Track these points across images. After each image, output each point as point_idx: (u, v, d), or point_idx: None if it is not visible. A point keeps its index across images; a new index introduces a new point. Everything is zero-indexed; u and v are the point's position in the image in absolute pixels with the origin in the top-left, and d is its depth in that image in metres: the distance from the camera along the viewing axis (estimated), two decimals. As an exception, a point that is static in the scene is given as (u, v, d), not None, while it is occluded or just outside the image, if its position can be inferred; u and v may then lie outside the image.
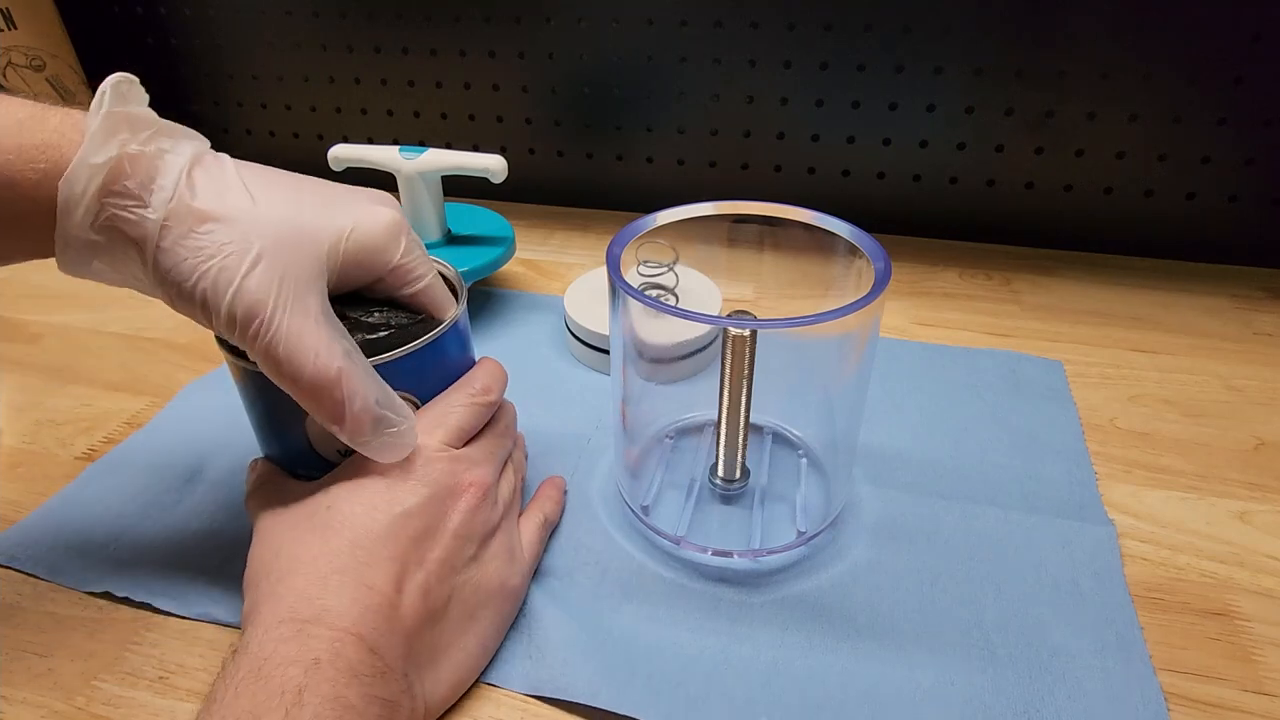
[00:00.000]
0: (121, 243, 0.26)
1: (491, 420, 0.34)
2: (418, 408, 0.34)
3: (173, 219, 0.26)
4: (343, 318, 0.31)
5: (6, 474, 0.43)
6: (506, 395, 0.38)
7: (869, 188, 0.66)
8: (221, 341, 0.33)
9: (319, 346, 0.27)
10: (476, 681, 0.31)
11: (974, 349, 0.51)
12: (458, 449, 0.32)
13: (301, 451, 0.33)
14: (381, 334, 0.32)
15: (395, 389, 0.32)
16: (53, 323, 0.57)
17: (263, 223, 0.27)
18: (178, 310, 0.28)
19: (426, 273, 0.32)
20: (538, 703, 0.31)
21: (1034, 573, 0.35)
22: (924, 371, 0.49)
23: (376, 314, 0.33)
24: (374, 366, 0.31)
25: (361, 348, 0.31)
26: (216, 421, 0.45)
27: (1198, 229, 0.61)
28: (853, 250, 0.33)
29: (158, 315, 0.58)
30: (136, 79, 0.27)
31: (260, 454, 0.37)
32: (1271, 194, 0.59)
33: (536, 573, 0.35)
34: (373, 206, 0.31)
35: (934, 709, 0.30)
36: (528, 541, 0.35)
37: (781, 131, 0.66)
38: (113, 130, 0.26)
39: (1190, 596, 0.34)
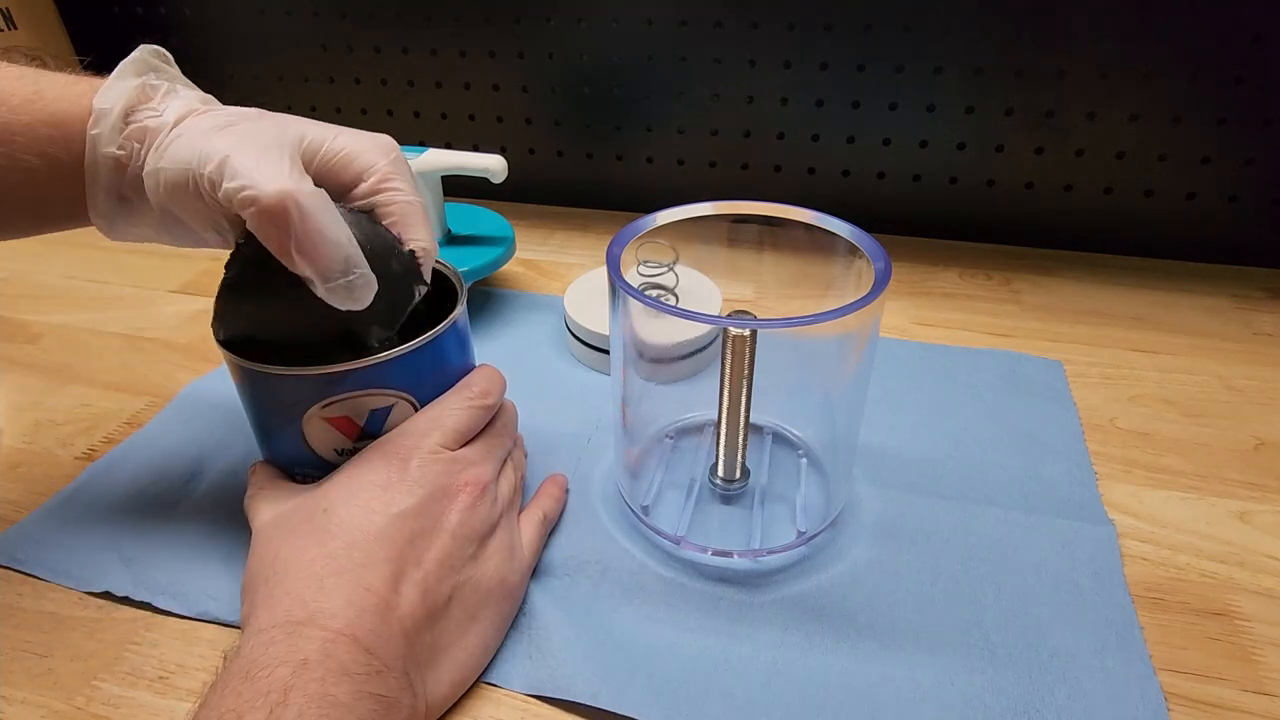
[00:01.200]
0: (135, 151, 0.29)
1: (490, 420, 0.35)
2: (416, 408, 0.34)
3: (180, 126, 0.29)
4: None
5: (6, 474, 0.43)
6: (507, 395, 0.38)
7: (869, 188, 0.66)
8: (221, 341, 0.33)
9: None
10: (477, 681, 0.31)
11: (974, 349, 0.51)
12: (455, 450, 0.32)
13: (298, 451, 0.33)
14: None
15: (394, 388, 0.32)
16: (53, 323, 0.57)
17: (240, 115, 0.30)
18: (175, 206, 0.29)
19: (406, 200, 0.31)
20: (538, 703, 0.30)
21: (1034, 573, 0.35)
22: (924, 371, 0.49)
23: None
24: (372, 365, 0.31)
25: (358, 348, 0.31)
26: (216, 421, 0.45)
27: (1198, 229, 0.61)
28: (853, 250, 0.33)
29: (158, 315, 0.58)
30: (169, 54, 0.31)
31: (259, 454, 0.37)
32: (1271, 194, 0.59)
33: (536, 572, 0.35)
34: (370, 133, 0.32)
35: (934, 709, 0.30)
36: (527, 540, 0.35)
37: (781, 131, 0.66)
38: (139, 67, 0.30)
39: (1190, 596, 0.34)
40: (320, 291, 0.28)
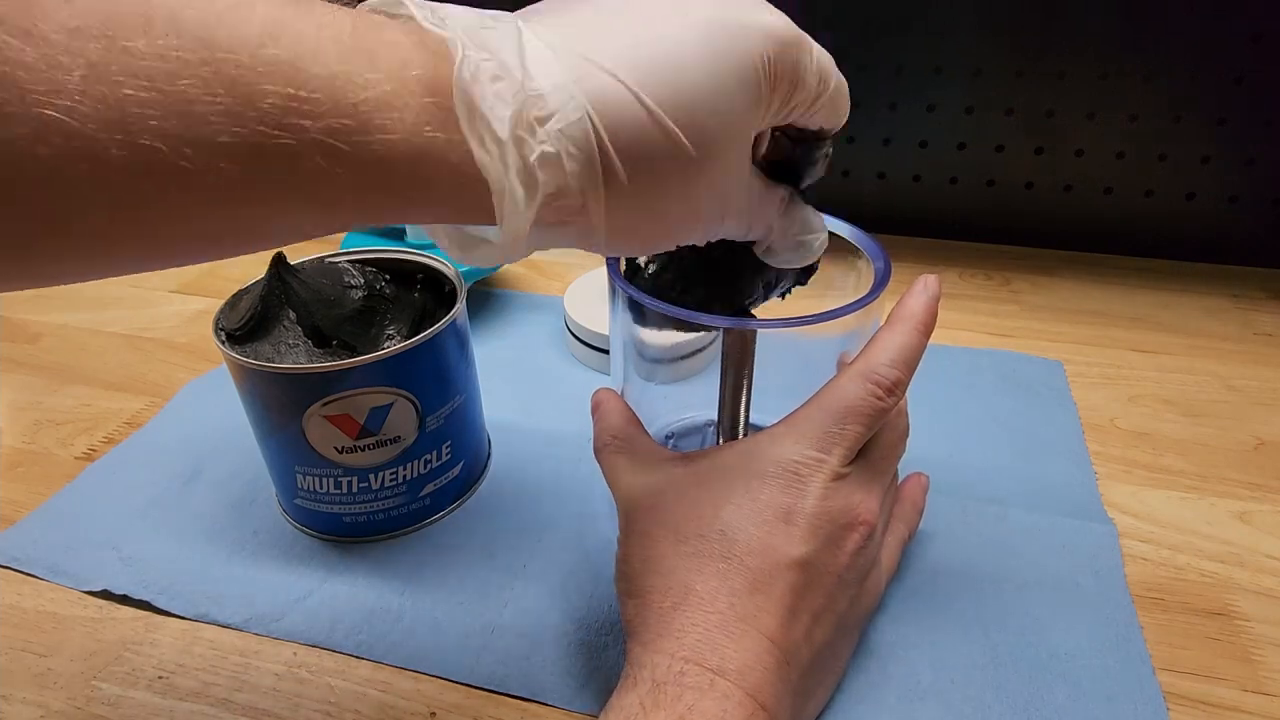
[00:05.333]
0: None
1: (887, 425, 0.30)
2: (415, 407, 0.34)
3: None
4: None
5: (6, 474, 0.43)
6: (506, 394, 0.38)
7: (869, 188, 0.66)
8: (220, 339, 0.34)
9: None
10: (478, 687, 0.31)
11: (974, 349, 0.51)
12: (849, 470, 0.28)
13: (299, 448, 0.33)
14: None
15: (393, 386, 0.32)
16: (53, 323, 0.57)
17: None
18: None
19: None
20: (538, 704, 0.30)
21: (1034, 572, 0.35)
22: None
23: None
24: (370, 363, 0.31)
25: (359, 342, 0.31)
26: (216, 421, 0.45)
27: (1198, 229, 0.61)
28: (853, 250, 0.33)
29: (158, 315, 0.58)
30: None
31: (259, 454, 0.37)
32: (1271, 194, 0.59)
33: (537, 572, 0.35)
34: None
35: (934, 708, 0.30)
36: (887, 566, 0.32)
37: (781, 131, 0.66)
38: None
39: (1190, 596, 0.34)
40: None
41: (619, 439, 0.31)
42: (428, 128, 0.18)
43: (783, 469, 0.27)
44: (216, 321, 0.35)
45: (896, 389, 0.28)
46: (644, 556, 0.27)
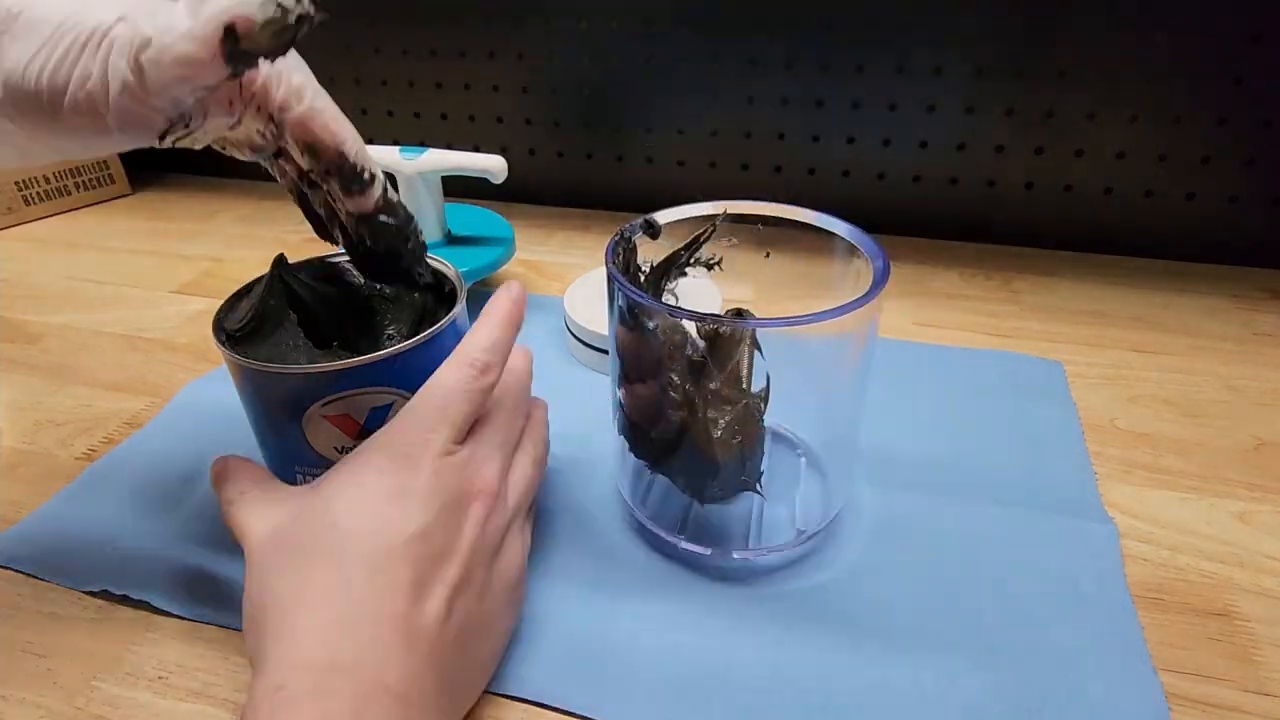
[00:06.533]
0: None
1: (497, 405, 0.32)
2: None
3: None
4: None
5: (6, 474, 0.43)
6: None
7: (869, 188, 0.66)
8: (220, 339, 0.33)
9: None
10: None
11: (974, 349, 0.51)
12: (462, 447, 0.30)
13: (299, 450, 0.33)
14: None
15: (393, 386, 0.32)
16: (53, 323, 0.57)
17: None
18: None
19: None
20: (538, 705, 0.30)
21: (1034, 573, 0.35)
22: (924, 372, 0.49)
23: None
24: (371, 363, 0.31)
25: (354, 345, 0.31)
26: (216, 421, 0.45)
27: (1198, 229, 0.61)
28: (852, 250, 0.33)
29: (158, 315, 0.58)
30: None
31: (259, 454, 0.37)
32: (1271, 194, 0.59)
33: (536, 572, 0.35)
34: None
35: (934, 709, 0.30)
36: (526, 533, 0.33)
37: (781, 132, 0.66)
38: None
39: (1190, 596, 0.34)
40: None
41: (245, 495, 0.30)
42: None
43: (390, 457, 0.28)
44: (216, 321, 0.35)
45: (489, 370, 0.30)
46: (262, 579, 0.26)
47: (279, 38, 0.23)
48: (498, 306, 0.32)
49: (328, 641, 0.24)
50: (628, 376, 0.34)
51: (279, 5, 0.22)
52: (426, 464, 0.28)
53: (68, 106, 0.23)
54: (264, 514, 0.28)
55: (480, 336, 0.31)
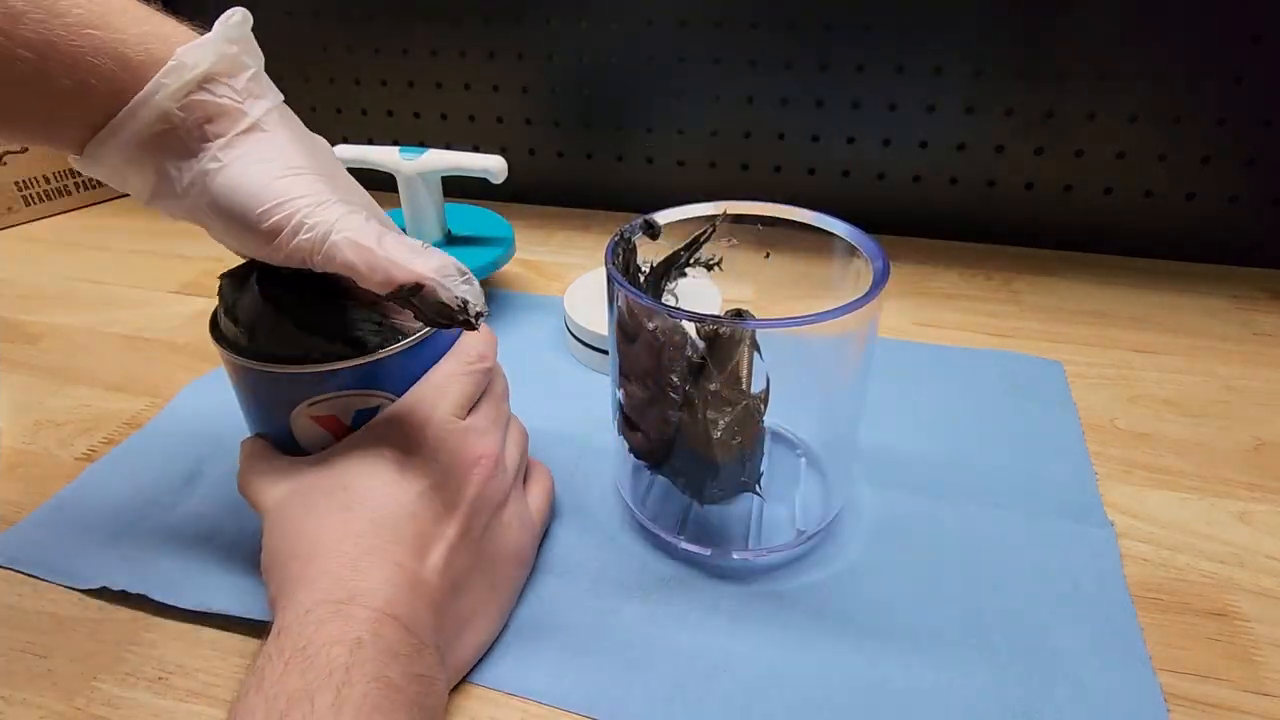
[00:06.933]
0: (179, 139, 0.27)
1: (488, 387, 0.34)
2: None
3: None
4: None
5: (6, 474, 0.43)
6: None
7: (869, 188, 0.66)
8: (216, 337, 0.33)
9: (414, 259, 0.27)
10: (475, 683, 0.31)
11: (974, 349, 0.51)
12: (463, 419, 0.32)
13: (287, 447, 0.33)
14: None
15: (382, 390, 0.32)
16: (53, 323, 0.57)
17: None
18: (209, 227, 0.29)
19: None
20: (537, 704, 0.30)
21: (1034, 573, 0.35)
22: (924, 372, 0.49)
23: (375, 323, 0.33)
24: (360, 365, 0.31)
25: (349, 343, 0.31)
26: (216, 421, 0.45)
27: (1198, 229, 0.61)
28: (852, 250, 0.33)
29: (158, 315, 0.58)
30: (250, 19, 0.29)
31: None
32: (1271, 194, 0.59)
33: (536, 570, 0.35)
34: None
35: (934, 709, 0.30)
36: (536, 507, 0.35)
37: (781, 132, 0.66)
38: (240, 37, 0.28)
39: (1190, 596, 0.34)
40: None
41: (255, 468, 0.32)
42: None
43: (396, 426, 0.31)
44: (213, 319, 0.35)
45: (484, 358, 0.33)
46: (280, 534, 0.29)
47: (440, 316, 0.27)
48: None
49: (343, 580, 0.27)
50: (627, 376, 0.34)
51: (464, 304, 0.27)
52: (430, 432, 0.30)
53: (280, 243, 0.27)
54: (276, 481, 0.31)
55: (470, 339, 0.34)
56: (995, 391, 0.47)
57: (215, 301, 0.34)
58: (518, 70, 0.69)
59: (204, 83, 0.27)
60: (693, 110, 0.67)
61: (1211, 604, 0.34)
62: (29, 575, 0.36)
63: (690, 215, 0.36)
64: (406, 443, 0.30)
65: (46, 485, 0.41)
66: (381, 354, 0.31)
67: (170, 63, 0.26)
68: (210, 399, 0.47)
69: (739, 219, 0.36)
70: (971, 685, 0.30)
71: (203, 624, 0.34)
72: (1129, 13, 0.55)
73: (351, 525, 0.28)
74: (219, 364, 0.51)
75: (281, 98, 0.30)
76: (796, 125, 0.65)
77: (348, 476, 0.30)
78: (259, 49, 0.29)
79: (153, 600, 0.34)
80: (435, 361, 0.34)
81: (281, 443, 0.33)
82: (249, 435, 0.35)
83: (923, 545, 0.37)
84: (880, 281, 0.30)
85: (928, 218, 0.66)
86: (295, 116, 0.31)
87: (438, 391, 0.32)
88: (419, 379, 0.33)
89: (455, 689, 0.31)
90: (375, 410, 0.33)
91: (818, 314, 0.28)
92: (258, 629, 0.33)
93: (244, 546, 0.37)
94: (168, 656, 0.32)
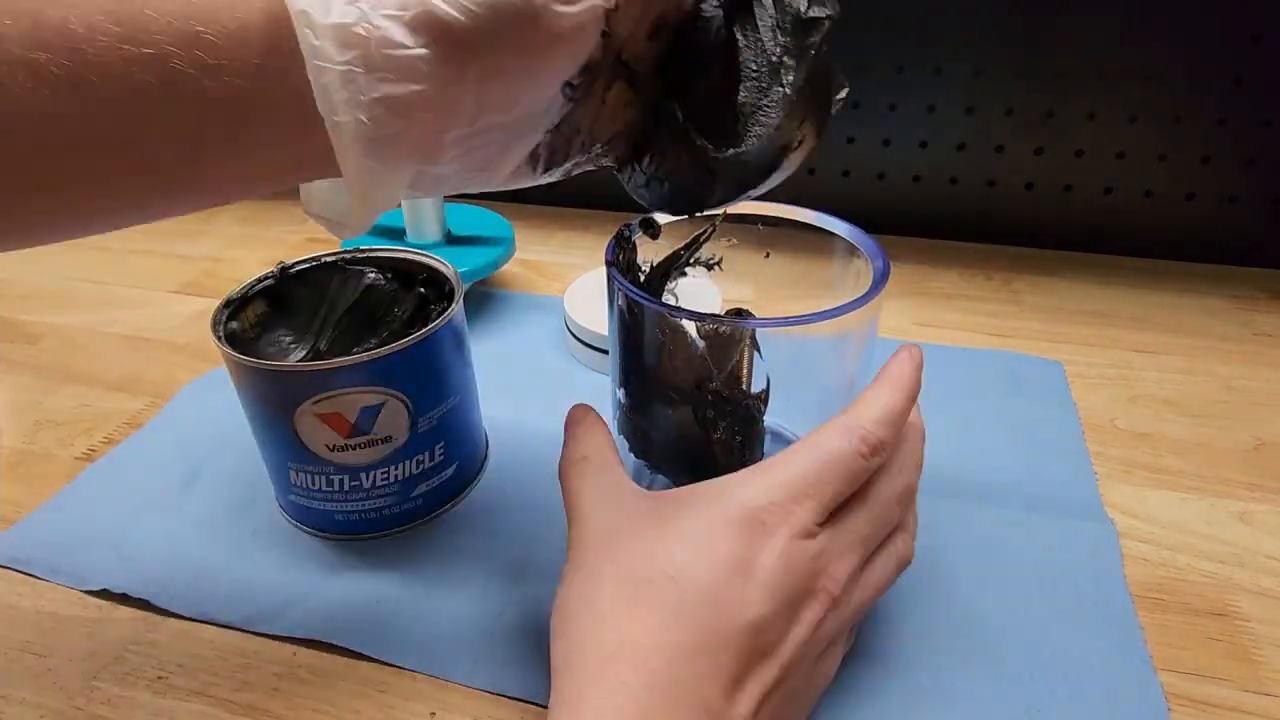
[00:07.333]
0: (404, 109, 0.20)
1: (874, 480, 0.27)
2: (407, 408, 0.34)
3: None
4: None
5: (6, 474, 0.43)
6: (505, 394, 0.37)
7: (869, 188, 0.66)
8: (218, 336, 0.34)
9: None
10: (477, 688, 0.31)
11: (974, 349, 0.51)
12: (820, 530, 0.25)
13: (291, 445, 0.33)
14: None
15: (385, 387, 0.32)
16: (53, 323, 0.57)
17: None
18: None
19: None
20: (538, 705, 0.30)
21: (1034, 572, 0.35)
22: (924, 372, 0.49)
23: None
24: (362, 363, 0.31)
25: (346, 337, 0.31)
26: (216, 421, 0.45)
27: (1198, 229, 0.61)
28: (852, 250, 0.33)
29: (158, 316, 0.58)
30: None
31: (259, 453, 0.37)
32: (1271, 194, 0.59)
33: (536, 572, 0.35)
34: None
35: (936, 708, 0.30)
36: (848, 638, 0.29)
37: (781, 132, 0.66)
38: None
39: (1190, 596, 0.34)
40: None
41: (590, 461, 0.29)
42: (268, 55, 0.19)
43: (747, 513, 0.25)
44: (215, 319, 0.35)
45: (881, 449, 0.26)
46: (584, 594, 0.25)
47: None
48: (900, 372, 0.28)
49: (644, 712, 0.22)
50: (628, 376, 0.34)
51: None
52: (780, 541, 0.24)
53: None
54: (601, 502, 0.27)
55: (877, 406, 0.27)
56: (995, 391, 0.47)
57: (215, 301, 0.34)
58: (518, 70, 0.69)
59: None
60: (693, 110, 0.67)
61: (1211, 604, 0.34)
62: (29, 575, 0.36)
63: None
64: (750, 545, 0.24)
65: (46, 485, 0.41)
66: (381, 351, 0.32)
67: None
68: (210, 399, 0.47)
69: (739, 219, 0.36)
70: (972, 685, 0.30)
71: (203, 624, 0.34)
72: (1129, 13, 0.55)
73: (670, 634, 0.23)
74: (219, 364, 0.51)
75: None
76: (796, 125, 0.65)
77: (676, 565, 0.24)
78: None
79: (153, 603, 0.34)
80: (438, 358, 0.34)
81: (287, 444, 0.33)
82: (583, 405, 0.31)
83: (922, 545, 0.36)
84: (880, 281, 0.30)
85: (928, 218, 0.66)
86: None
87: (808, 486, 0.25)
88: (423, 374, 0.33)
89: (456, 690, 0.31)
90: (380, 407, 0.32)
91: (818, 314, 0.28)
92: (258, 629, 0.33)
93: (245, 547, 0.37)
94: (168, 656, 0.32)
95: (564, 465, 0.29)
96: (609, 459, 0.29)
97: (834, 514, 0.26)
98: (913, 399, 0.28)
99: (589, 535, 0.27)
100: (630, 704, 0.22)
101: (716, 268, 0.37)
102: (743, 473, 0.26)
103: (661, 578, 0.24)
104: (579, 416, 0.31)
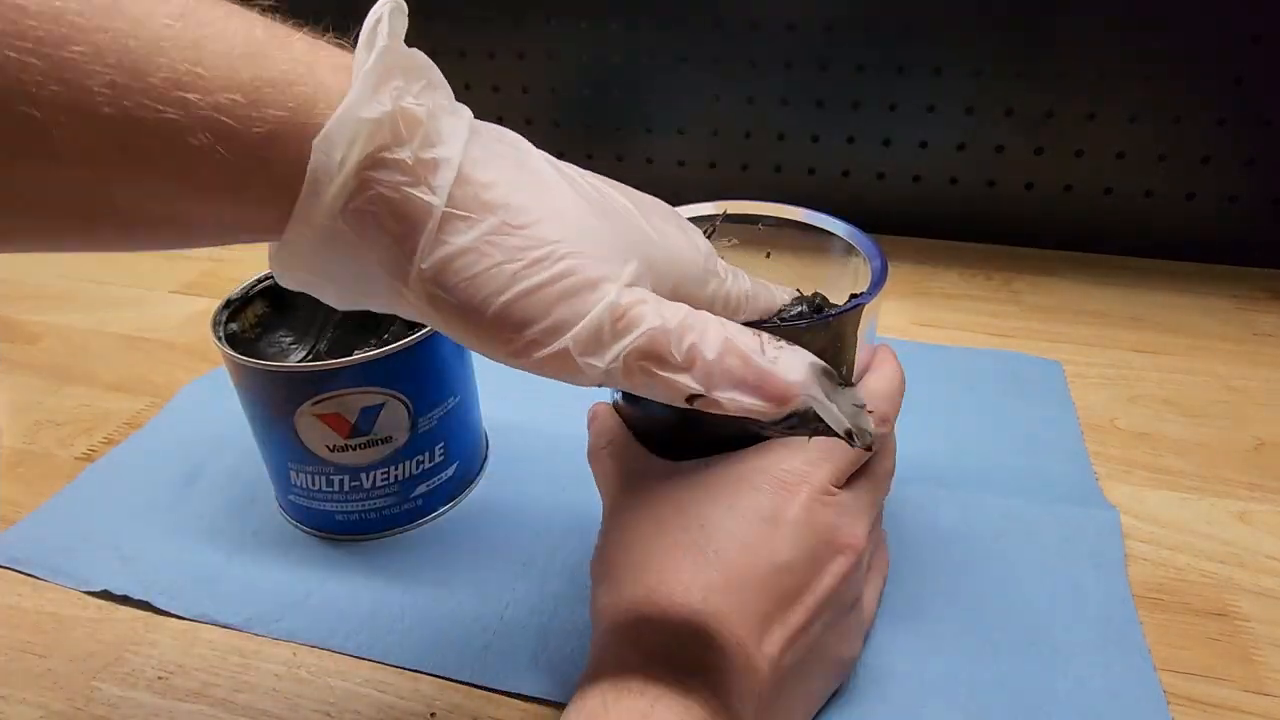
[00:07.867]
0: (373, 233, 0.19)
1: (876, 456, 0.29)
2: (407, 408, 0.34)
3: (459, 207, 0.19)
4: None
5: (6, 474, 0.43)
6: (506, 394, 0.37)
7: (869, 188, 0.66)
8: (219, 337, 0.34)
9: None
10: (478, 685, 0.31)
11: (974, 349, 0.51)
12: (840, 489, 0.27)
13: (291, 445, 0.33)
14: None
15: (385, 387, 0.32)
16: (53, 323, 0.57)
17: (585, 231, 0.20)
18: (448, 330, 0.21)
19: (740, 295, 0.26)
20: (538, 704, 0.30)
21: (1034, 572, 0.35)
22: (924, 372, 0.49)
23: None
24: (362, 363, 0.31)
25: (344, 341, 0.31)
26: (216, 421, 0.45)
27: (1198, 229, 0.61)
28: (851, 250, 0.33)
29: (158, 316, 0.58)
30: (406, 9, 0.21)
31: (259, 453, 0.37)
32: (1271, 194, 0.59)
33: (538, 573, 0.35)
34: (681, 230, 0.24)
35: (939, 702, 0.30)
36: (869, 609, 0.31)
37: (781, 132, 0.66)
38: (387, 75, 0.19)
39: (1190, 596, 0.34)
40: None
41: (614, 443, 0.31)
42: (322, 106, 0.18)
43: (770, 478, 0.27)
44: (215, 319, 0.35)
45: (885, 422, 0.28)
46: (622, 540, 0.27)
47: (803, 425, 0.21)
48: (886, 356, 0.31)
49: (683, 643, 0.24)
50: None
51: (858, 429, 0.21)
52: (802, 498, 0.26)
53: (526, 339, 0.20)
54: (631, 474, 0.29)
55: (881, 384, 0.29)
56: (995, 391, 0.47)
57: (215, 301, 0.34)
58: (518, 70, 0.69)
59: (367, 169, 0.18)
60: (693, 110, 0.67)
61: (1211, 604, 0.34)
62: (29, 575, 0.36)
63: (690, 215, 0.36)
64: (777, 500, 0.26)
65: (46, 485, 0.41)
66: (381, 352, 0.32)
67: (310, 164, 0.18)
68: (210, 399, 0.47)
69: (739, 219, 0.36)
70: (973, 680, 0.30)
71: (203, 624, 0.34)
72: (1129, 13, 0.55)
73: (701, 574, 0.25)
74: (219, 364, 0.51)
75: (469, 113, 0.22)
76: (796, 125, 0.65)
77: (705, 515, 0.26)
78: (418, 54, 0.21)
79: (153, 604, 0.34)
80: (438, 358, 0.34)
81: (288, 444, 0.33)
82: (602, 403, 0.33)
83: (922, 545, 0.37)
84: (879, 281, 0.30)
85: (928, 218, 0.66)
86: (497, 131, 0.22)
87: (824, 452, 0.27)
88: (423, 375, 0.33)
89: (456, 690, 0.31)
90: (380, 408, 0.33)
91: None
92: (258, 631, 0.33)
93: (245, 547, 0.37)
94: (168, 656, 0.32)
95: (592, 451, 0.32)
96: (631, 439, 0.31)
97: (848, 480, 0.28)
98: (903, 381, 0.30)
99: (623, 499, 0.29)
100: (671, 637, 0.24)
101: None
102: (759, 446, 0.28)
103: (694, 525, 0.26)
104: (599, 411, 0.33)
